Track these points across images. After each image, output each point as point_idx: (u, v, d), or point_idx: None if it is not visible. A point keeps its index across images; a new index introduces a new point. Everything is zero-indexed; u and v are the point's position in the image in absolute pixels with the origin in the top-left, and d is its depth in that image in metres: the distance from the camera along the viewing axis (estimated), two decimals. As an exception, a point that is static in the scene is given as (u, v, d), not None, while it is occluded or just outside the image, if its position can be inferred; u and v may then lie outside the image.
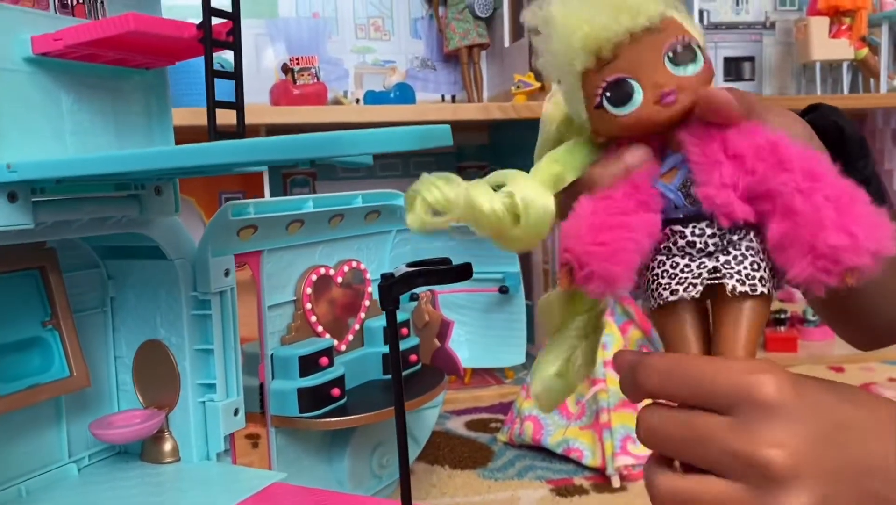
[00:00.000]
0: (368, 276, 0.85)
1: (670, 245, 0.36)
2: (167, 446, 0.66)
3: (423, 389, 0.82)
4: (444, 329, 0.91)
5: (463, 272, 0.39)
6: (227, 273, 0.65)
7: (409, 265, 0.40)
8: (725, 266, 0.35)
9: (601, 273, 0.34)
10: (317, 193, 1.24)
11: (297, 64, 1.30)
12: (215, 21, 0.53)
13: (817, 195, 0.32)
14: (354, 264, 0.84)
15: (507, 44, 1.48)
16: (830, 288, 0.31)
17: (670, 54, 0.34)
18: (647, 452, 1.03)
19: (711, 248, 0.35)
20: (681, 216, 0.36)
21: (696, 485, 0.34)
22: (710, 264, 0.35)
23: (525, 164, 0.37)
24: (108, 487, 0.62)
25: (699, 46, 0.35)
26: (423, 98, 1.53)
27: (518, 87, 1.33)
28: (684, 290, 0.35)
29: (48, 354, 0.61)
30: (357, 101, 1.45)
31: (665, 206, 0.36)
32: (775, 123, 0.35)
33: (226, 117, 0.55)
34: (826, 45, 1.55)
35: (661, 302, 0.36)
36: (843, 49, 1.56)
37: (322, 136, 0.35)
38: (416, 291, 0.91)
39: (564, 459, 0.95)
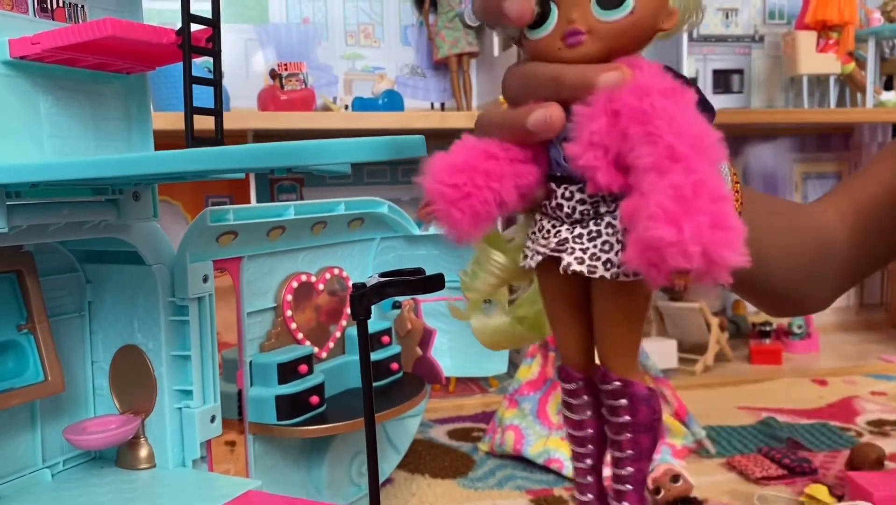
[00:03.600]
0: (351, 283, 0.85)
1: (546, 204, 0.32)
2: (143, 452, 0.65)
3: (404, 398, 0.82)
4: (426, 338, 0.90)
5: (434, 283, 0.39)
6: (205, 279, 0.65)
7: (381, 275, 0.40)
8: (576, 240, 0.31)
9: (445, 215, 0.32)
10: (303, 200, 1.23)
11: (286, 70, 1.30)
12: (196, 27, 0.53)
13: (667, 179, 0.26)
14: (336, 272, 0.84)
15: (496, 53, 1.49)
16: (661, 284, 0.27)
17: None
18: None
19: (578, 216, 0.31)
20: (557, 174, 0.32)
21: None
22: (564, 235, 0.31)
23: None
24: (81, 492, 0.61)
25: None
26: (413, 105, 1.53)
27: (506, 96, 1.33)
28: (531, 258, 0.33)
29: (23, 358, 0.60)
30: (346, 107, 1.45)
31: (549, 161, 0.32)
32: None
33: (210, 123, 0.55)
34: (813, 59, 1.57)
35: (524, 265, 0.33)
36: (829, 63, 1.57)
37: (288, 146, 0.35)
38: (399, 299, 0.91)
39: (545, 469, 0.95)
